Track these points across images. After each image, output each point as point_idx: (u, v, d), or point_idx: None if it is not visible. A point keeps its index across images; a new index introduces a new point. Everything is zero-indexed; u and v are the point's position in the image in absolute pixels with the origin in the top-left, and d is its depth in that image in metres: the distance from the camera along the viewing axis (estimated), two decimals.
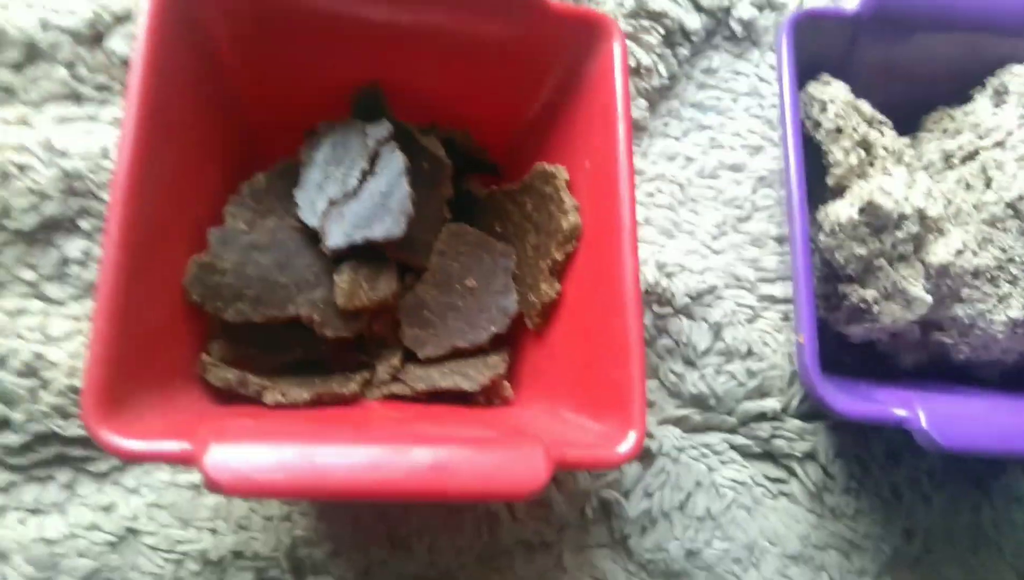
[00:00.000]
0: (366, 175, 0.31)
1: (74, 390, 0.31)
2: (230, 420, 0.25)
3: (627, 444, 0.26)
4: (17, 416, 0.30)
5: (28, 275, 0.33)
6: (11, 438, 0.31)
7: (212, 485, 0.22)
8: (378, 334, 0.32)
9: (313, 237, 0.31)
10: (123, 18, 0.36)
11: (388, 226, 0.30)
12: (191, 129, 0.29)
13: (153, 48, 0.27)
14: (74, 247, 0.33)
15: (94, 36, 0.35)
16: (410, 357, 0.32)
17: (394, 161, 0.31)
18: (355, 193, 0.31)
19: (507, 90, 0.34)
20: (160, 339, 0.26)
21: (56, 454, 0.31)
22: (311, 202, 0.31)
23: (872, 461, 0.37)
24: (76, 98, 0.35)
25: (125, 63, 0.36)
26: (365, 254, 0.31)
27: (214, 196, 0.31)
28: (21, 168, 0.33)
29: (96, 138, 0.34)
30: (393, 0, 0.30)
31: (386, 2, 0.30)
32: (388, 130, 0.32)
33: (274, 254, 0.30)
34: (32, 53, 0.35)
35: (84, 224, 0.33)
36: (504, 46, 0.32)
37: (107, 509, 0.31)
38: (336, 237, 0.30)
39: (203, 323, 0.29)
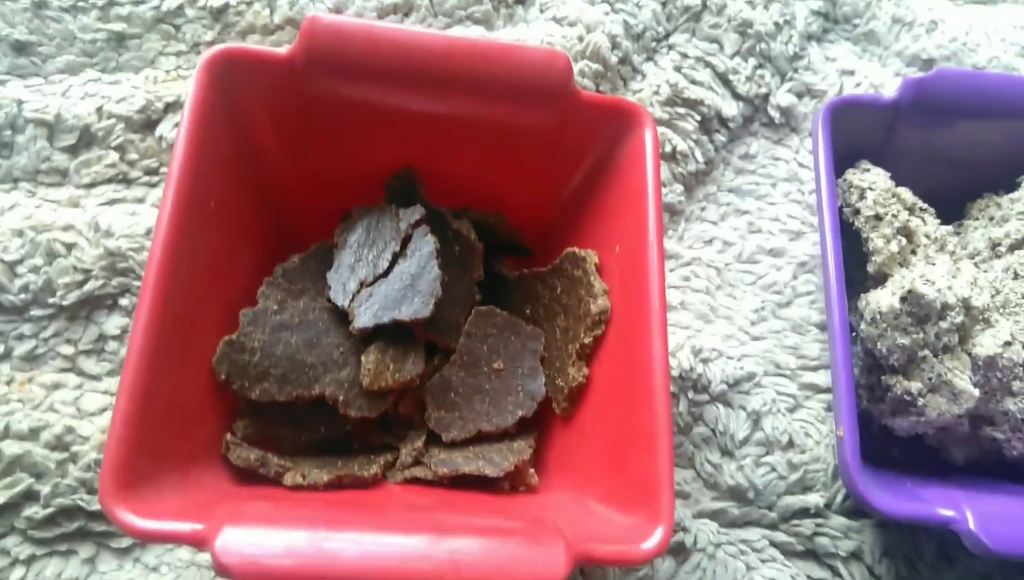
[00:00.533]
0: (397, 257, 0.32)
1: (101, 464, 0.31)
2: (247, 502, 0.25)
3: (653, 540, 0.25)
4: (44, 489, 0.31)
5: (66, 350, 0.33)
6: (36, 511, 0.31)
7: (221, 569, 0.21)
8: (403, 415, 0.32)
9: (343, 318, 0.31)
10: (174, 105, 0.37)
11: (416, 307, 0.31)
12: (230, 213, 0.30)
13: (195, 134, 0.28)
14: (113, 324, 0.34)
15: (145, 122, 0.37)
16: (434, 439, 0.32)
17: (425, 244, 0.32)
18: (385, 275, 0.31)
19: (541, 175, 0.35)
20: (185, 418, 0.26)
21: (79, 528, 0.31)
22: (342, 283, 0.31)
23: (921, 562, 0.35)
24: (125, 181, 0.37)
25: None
26: (394, 334, 0.31)
27: (250, 278, 0.31)
28: (68, 247, 0.34)
29: (142, 219, 0.35)
30: (430, 91, 0.31)
31: (423, 93, 0.31)
32: (420, 214, 0.32)
33: (303, 334, 0.30)
34: (86, 138, 0.37)
35: (124, 302, 0.34)
36: (538, 134, 0.33)
37: None
38: (364, 318, 0.30)
39: (229, 402, 0.29)
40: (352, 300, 0.31)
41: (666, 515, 0.26)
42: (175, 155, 0.27)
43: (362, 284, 0.31)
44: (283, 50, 0.30)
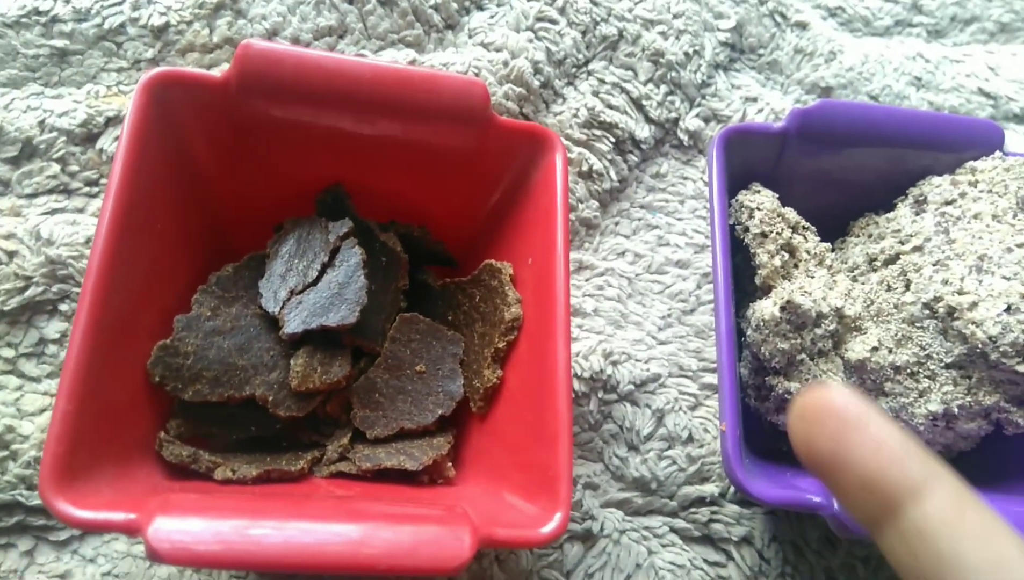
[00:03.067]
0: (326, 267, 0.34)
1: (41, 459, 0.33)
2: (178, 494, 0.27)
3: (551, 525, 0.28)
4: None
5: (7, 353, 0.35)
6: None
7: (153, 554, 0.23)
8: (330, 414, 0.34)
9: (274, 324, 0.33)
10: (114, 120, 0.39)
11: (343, 314, 0.33)
12: (166, 224, 0.32)
13: (133, 150, 0.30)
14: (53, 328, 0.36)
15: (87, 136, 0.39)
16: (359, 437, 0.34)
17: (352, 255, 0.34)
18: (315, 284, 0.34)
19: (462, 192, 0.37)
20: (120, 417, 0.28)
21: (18, 522, 0.33)
22: (273, 292, 0.34)
23: (807, 547, 0.39)
24: (66, 192, 0.38)
25: None
26: (322, 340, 0.34)
27: (185, 287, 0.33)
28: (9, 254, 0.35)
29: (82, 228, 0.37)
30: (357, 114, 0.33)
31: (351, 116, 0.34)
32: (348, 227, 0.35)
33: (235, 338, 0.32)
34: (28, 150, 0.38)
35: (64, 307, 0.36)
36: (459, 155, 0.35)
37: (63, 577, 0.32)
38: (294, 324, 0.33)
39: (164, 402, 0.31)
40: (282, 307, 0.33)
41: (564, 502, 0.29)
42: (114, 168, 0.29)
43: (292, 292, 0.33)
44: (218, 73, 0.32)
